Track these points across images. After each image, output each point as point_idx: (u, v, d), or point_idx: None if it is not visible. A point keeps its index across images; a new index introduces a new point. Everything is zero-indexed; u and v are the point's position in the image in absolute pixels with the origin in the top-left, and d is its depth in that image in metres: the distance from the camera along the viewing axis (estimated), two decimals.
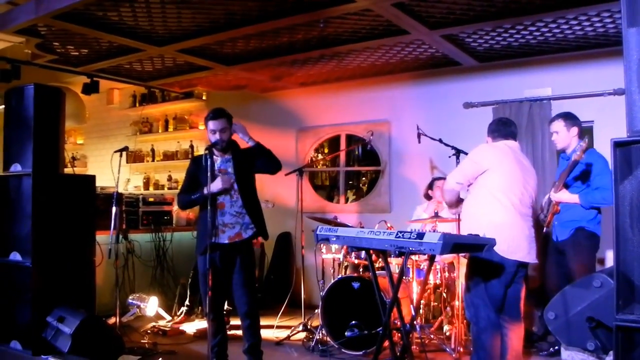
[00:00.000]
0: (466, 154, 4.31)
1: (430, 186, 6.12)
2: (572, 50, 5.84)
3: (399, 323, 3.67)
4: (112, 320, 5.45)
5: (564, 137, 4.75)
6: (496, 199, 3.87)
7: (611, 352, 3.71)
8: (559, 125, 4.77)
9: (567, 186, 4.70)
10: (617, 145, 2.32)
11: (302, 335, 5.73)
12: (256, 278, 4.70)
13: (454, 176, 4.05)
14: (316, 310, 5.64)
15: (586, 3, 4.59)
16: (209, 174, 4.19)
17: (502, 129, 4.18)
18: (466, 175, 4.00)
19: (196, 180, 4.51)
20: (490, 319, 3.82)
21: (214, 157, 4.47)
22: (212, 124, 4.44)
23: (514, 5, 4.74)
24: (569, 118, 4.77)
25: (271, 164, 4.51)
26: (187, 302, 6.41)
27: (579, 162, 4.48)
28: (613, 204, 2.34)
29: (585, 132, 5.64)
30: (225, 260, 4.42)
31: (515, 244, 3.83)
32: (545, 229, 5.00)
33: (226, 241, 4.41)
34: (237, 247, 4.41)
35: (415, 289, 5.32)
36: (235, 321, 4.72)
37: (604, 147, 5.03)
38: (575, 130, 4.69)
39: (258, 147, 4.45)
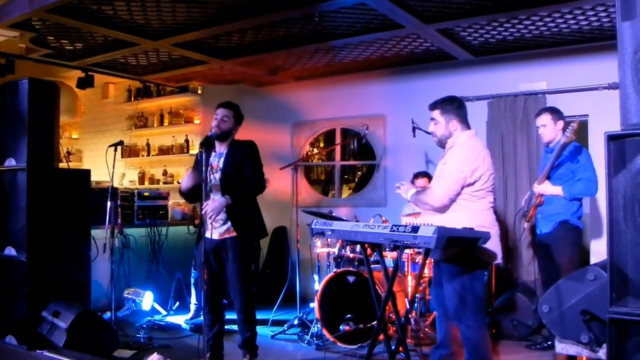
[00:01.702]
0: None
1: (412, 182, 6.08)
2: (567, 44, 5.84)
3: (394, 317, 3.67)
4: (107, 315, 5.45)
5: (550, 130, 4.85)
6: (479, 202, 3.71)
7: (605, 345, 3.73)
8: (546, 119, 4.87)
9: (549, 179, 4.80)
10: (611, 138, 2.32)
11: (298, 329, 5.74)
12: (252, 272, 4.68)
13: (447, 191, 3.64)
14: (311, 304, 5.65)
15: None
16: (203, 167, 4.20)
17: (466, 114, 3.91)
18: (459, 187, 3.65)
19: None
20: (477, 320, 3.76)
21: (213, 151, 4.49)
22: (217, 111, 4.49)
23: None
24: (556, 112, 4.89)
25: (250, 198, 4.50)
26: (194, 301, 6.42)
27: (563, 153, 4.60)
28: (606, 196, 2.33)
29: (580, 126, 5.66)
30: (218, 255, 4.43)
31: (497, 248, 3.74)
32: (527, 222, 5.05)
33: (217, 237, 4.41)
34: (228, 243, 4.39)
35: (410, 282, 5.33)
36: (231, 315, 4.72)
37: (598, 140, 5.07)
38: (561, 124, 4.80)
39: (236, 201, 4.35)
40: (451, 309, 3.78)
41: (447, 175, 3.70)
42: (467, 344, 3.76)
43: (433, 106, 3.92)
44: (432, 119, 3.92)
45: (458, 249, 3.56)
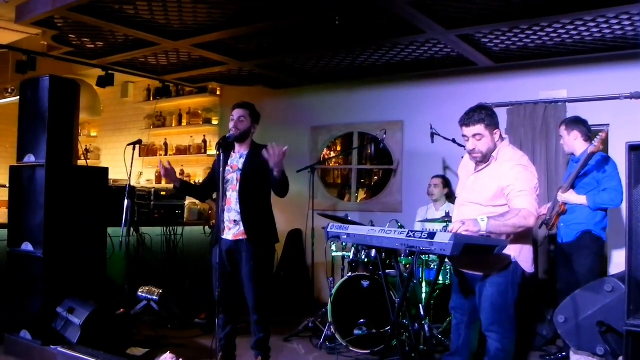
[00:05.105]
0: None
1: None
2: (588, 53, 5.78)
3: (407, 322, 3.65)
4: (121, 312, 5.46)
5: (566, 142, 4.91)
6: None
7: (621, 357, 3.68)
8: (562, 130, 4.94)
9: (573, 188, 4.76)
10: (632, 149, 2.30)
11: (311, 332, 5.74)
12: (268, 274, 4.69)
13: (536, 207, 3.41)
14: (325, 308, 5.64)
15: (605, 5, 4.54)
16: (221, 168, 4.21)
17: None
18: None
19: (214, 174, 4.58)
20: (513, 332, 3.63)
21: (233, 152, 4.51)
22: (234, 112, 4.50)
23: (531, 6, 4.70)
24: (571, 123, 4.90)
25: (281, 191, 4.42)
26: None
27: (589, 163, 4.56)
28: (626, 207, 2.30)
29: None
30: (232, 256, 4.43)
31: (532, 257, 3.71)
32: (548, 231, 5.01)
33: (231, 238, 4.41)
34: (242, 244, 4.39)
35: (425, 288, 5.30)
36: (245, 316, 4.72)
37: (619, 150, 5.01)
38: (576, 134, 4.81)
39: (280, 179, 4.29)
40: (487, 320, 3.62)
41: (525, 190, 3.42)
42: (495, 355, 3.61)
43: (476, 121, 3.50)
44: (476, 134, 3.50)
45: (508, 261, 3.52)
